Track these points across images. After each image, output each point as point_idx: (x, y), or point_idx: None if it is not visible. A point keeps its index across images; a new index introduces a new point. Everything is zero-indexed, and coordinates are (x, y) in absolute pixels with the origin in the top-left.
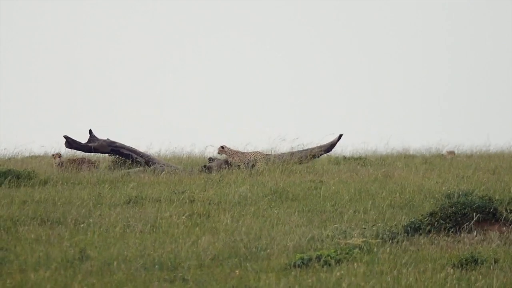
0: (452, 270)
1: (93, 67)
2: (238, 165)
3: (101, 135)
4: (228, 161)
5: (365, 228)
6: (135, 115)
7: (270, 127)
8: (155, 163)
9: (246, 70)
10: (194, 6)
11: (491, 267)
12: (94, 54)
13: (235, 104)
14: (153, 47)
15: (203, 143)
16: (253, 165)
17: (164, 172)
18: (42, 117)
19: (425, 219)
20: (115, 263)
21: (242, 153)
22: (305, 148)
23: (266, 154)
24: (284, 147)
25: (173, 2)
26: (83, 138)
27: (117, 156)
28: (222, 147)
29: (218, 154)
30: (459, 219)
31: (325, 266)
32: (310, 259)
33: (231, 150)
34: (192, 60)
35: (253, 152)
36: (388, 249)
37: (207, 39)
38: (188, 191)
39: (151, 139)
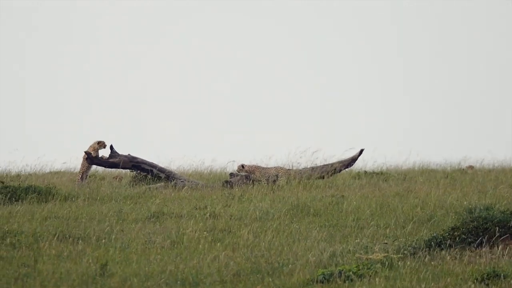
0: (473, 285)
1: (112, 83)
2: (259, 181)
3: (121, 150)
4: (249, 177)
5: (386, 243)
6: (156, 130)
7: (290, 140)
8: (176, 178)
9: (266, 84)
10: (217, 17)
11: None
12: (114, 71)
13: (254, 118)
14: (173, 63)
15: (224, 157)
16: (274, 181)
17: (185, 187)
18: (62, 133)
19: (447, 234)
20: (136, 279)
21: (263, 168)
22: (326, 163)
23: (288, 169)
24: (304, 161)
25: (195, 17)
26: (104, 154)
27: (138, 171)
28: (242, 165)
29: (242, 170)
30: (481, 233)
31: (347, 281)
32: (331, 275)
33: (251, 166)
34: (212, 74)
35: (274, 167)
36: (410, 264)
37: (226, 52)
38: (209, 207)
39: (171, 154)
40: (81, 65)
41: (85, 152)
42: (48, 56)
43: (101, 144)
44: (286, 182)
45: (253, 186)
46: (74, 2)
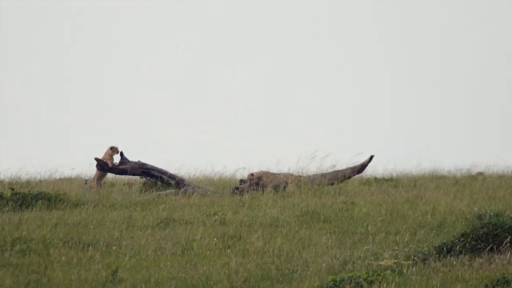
0: None
1: (121, 89)
2: (266, 186)
3: (131, 157)
4: (259, 183)
5: (396, 250)
6: (165, 137)
7: (299, 145)
8: (186, 185)
9: (275, 89)
10: (227, 23)
11: None
12: (123, 77)
13: (264, 123)
14: (183, 69)
15: (233, 163)
16: (284, 187)
17: (195, 194)
18: (70, 140)
19: (457, 240)
20: (146, 285)
21: (272, 174)
22: (336, 169)
23: (299, 176)
24: (313, 167)
25: (214, 25)
26: (114, 160)
27: (148, 178)
28: (251, 174)
29: (252, 178)
30: (491, 240)
31: (357, 287)
32: (342, 281)
33: (260, 172)
34: (221, 80)
35: (283, 173)
36: (420, 270)
37: (234, 57)
38: (219, 213)
39: (181, 161)
40: (90, 71)
41: (95, 159)
42: (57, 62)
43: (114, 150)
44: (296, 189)
45: (263, 192)
46: (86, 4)
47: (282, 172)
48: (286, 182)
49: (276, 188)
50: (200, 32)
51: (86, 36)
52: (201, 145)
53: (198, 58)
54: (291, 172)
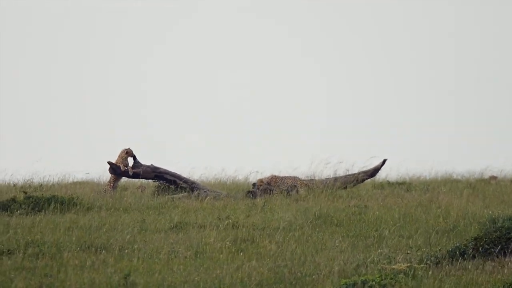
0: None
1: (133, 94)
2: (273, 189)
3: (143, 160)
4: (270, 188)
5: (409, 253)
6: (177, 140)
7: (312, 148)
8: (199, 188)
9: (287, 92)
10: (245, 28)
11: None
12: (135, 81)
13: (276, 127)
14: (193, 70)
15: (246, 166)
16: (296, 191)
17: (208, 197)
18: (84, 143)
19: (470, 244)
20: None
21: (281, 178)
22: (349, 173)
23: (310, 180)
24: (327, 171)
25: (226, 27)
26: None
27: (161, 181)
28: (261, 180)
29: (261, 184)
30: (504, 243)
31: None
32: (355, 284)
33: (269, 177)
34: (232, 83)
35: (291, 177)
36: (433, 274)
37: (244, 59)
38: (232, 217)
39: (193, 164)
40: (102, 75)
41: (108, 162)
42: (69, 67)
43: (129, 153)
44: (305, 192)
45: (276, 196)
46: (96, 5)
47: (290, 176)
48: (295, 186)
49: (287, 191)
50: (208, 35)
51: (99, 36)
52: (214, 149)
53: (206, 62)
54: (299, 176)
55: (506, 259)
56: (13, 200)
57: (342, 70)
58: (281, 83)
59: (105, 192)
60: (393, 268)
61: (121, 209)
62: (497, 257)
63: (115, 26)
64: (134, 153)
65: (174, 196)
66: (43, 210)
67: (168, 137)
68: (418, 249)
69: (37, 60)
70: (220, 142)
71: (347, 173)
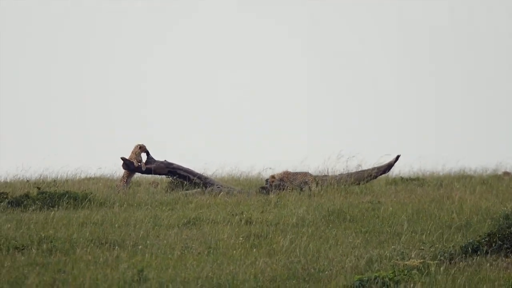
0: None
1: (146, 90)
2: (284, 185)
3: (157, 156)
4: (283, 184)
5: (423, 249)
6: (177, 140)
7: (326, 144)
8: (213, 184)
9: (287, 92)
10: (253, 29)
11: None
12: (148, 77)
13: (276, 127)
14: (193, 70)
15: (259, 162)
16: (308, 187)
17: (221, 193)
18: (83, 143)
19: (483, 240)
20: (173, 284)
21: (292, 174)
22: (363, 169)
23: (324, 175)
24: (340, 167)
25: (237, 27)
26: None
27: (174, 177)
28: (273, 176)
29: (273, 180)
30: None
31: (383, 287)
32: (368, 280)
33: (280, 173)
34: (231, 82)
35: (301, 173)
36: (446, 270)
37: (245, 59)
38: (245, 213)
39: (207, 160)
40: (102, 76)
41: (121, 158)
42: (69, 67)
43: (143, 148)
44: (317, 188)
45: (290, 192)
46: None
47: (302, 171)
48: (305, 182)
49: (300, 187)
50: (208, 35)
51: (100, 35)
52: (212, 149)
53: (206, 61)
54: (309, 172)
55: None
56: (27, 195)
57: (342, 70)
58: (281, 83)
59: (118, 188)
60: (406, 264)
61: (134, 205)
62: (510, 253)
63: (115, 26)
64: (148, 148)
65: (187, 192)
66: (56, 206)
67: (168, 137)
68: (432, 245)
69: (37, 60)
70: (220, 142)
71: (360, 169)
